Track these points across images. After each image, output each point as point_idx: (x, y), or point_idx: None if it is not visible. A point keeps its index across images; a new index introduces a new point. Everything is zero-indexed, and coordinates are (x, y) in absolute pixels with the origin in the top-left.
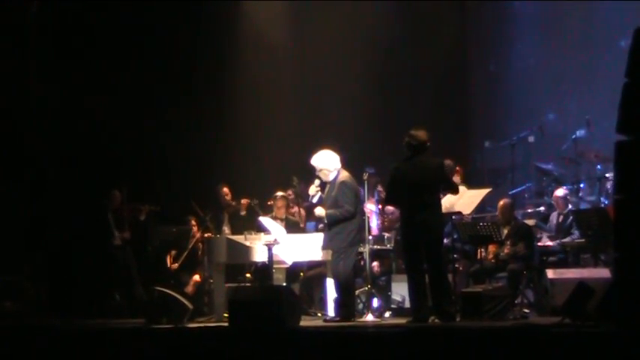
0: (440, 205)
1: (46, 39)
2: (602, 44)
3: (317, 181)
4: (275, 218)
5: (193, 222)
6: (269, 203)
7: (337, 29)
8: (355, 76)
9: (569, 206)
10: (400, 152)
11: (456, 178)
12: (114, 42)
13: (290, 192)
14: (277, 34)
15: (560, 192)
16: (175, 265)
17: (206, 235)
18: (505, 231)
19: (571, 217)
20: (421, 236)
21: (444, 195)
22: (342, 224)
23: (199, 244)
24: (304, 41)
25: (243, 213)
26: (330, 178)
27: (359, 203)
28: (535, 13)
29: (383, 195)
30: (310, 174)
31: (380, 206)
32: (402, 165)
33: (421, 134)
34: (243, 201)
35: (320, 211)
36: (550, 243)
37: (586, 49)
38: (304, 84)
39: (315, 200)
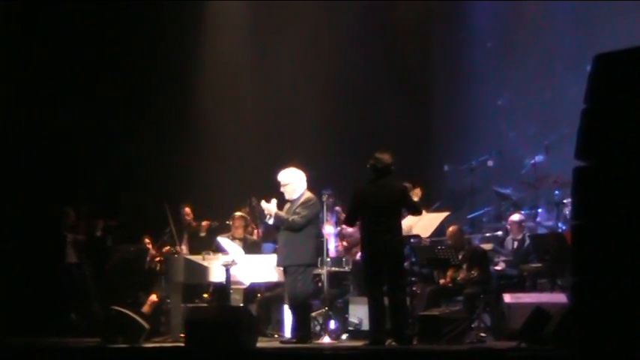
0: (401, 229)
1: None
2: (562, 69)
3: (274, 200)
4: (233, 238)
5: (147, 240)
6: (227, 223)
7: (298, 52)
8: (315, 98)
9: (525, 231)
10: (359, 174)
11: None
12: (75, 56)
13: (246, 209)
14: (238, 55)
15: (516, 217)
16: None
17: (164, 249)
18: (460, 256)
19: (527, 242)
20: (383, 259)
21: (404, 217)
22: (297, 242)
23: (156, 263)
24: (265, 63)
25: (203, 234)
26: (295, 196)
27: (317, 225)
28: (496, 38)
29: (342, 216)
30: (269, 196)
31: (338, 228)
32: (366, 187)
33: (386, 157)
34: (204, 223)
35: (270, 209)
36: (507, 267)
37: (546, 74)
38: (265, 106)
39: (270, 221)
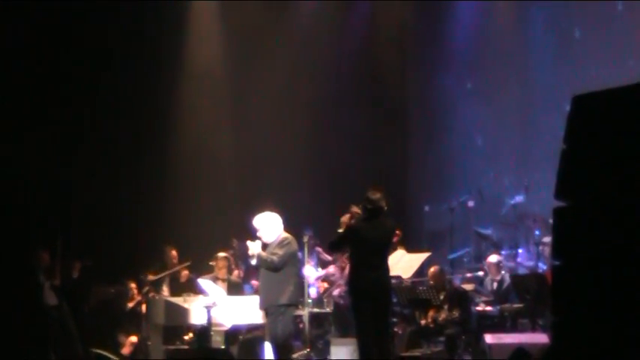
0: (389, 268)
1: None
2: (541, 110)
3: (259, 241)
4: (216, 279)
5: (133, 284)
6: (211, 264)
7: (276, 94)
8: (294, 139)
9: (503, 272)
10: (340, 215)
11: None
12: (53, 102)
13: (232, 252)
14: (218, 97)
15: (494, 258)
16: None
17: (149, 295)
18: (441, 296)
19: (507, 283)
20: (371, 296)
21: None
22: (277, 282)
23: (141, 306)
24: (244, 105)
25: (183, 281)
26: (271, 238)
27: (296, 264)
28: (475, 78)
29: (323, 256)
30: (250, 236)
31: (320, 270)
32: (361, 225)
33: (377, 197)
34: (184, 272)
35: (253, 249)
36: (488, 308)
37: (525, 114)
38: (244, 147)
39: (253, 262)
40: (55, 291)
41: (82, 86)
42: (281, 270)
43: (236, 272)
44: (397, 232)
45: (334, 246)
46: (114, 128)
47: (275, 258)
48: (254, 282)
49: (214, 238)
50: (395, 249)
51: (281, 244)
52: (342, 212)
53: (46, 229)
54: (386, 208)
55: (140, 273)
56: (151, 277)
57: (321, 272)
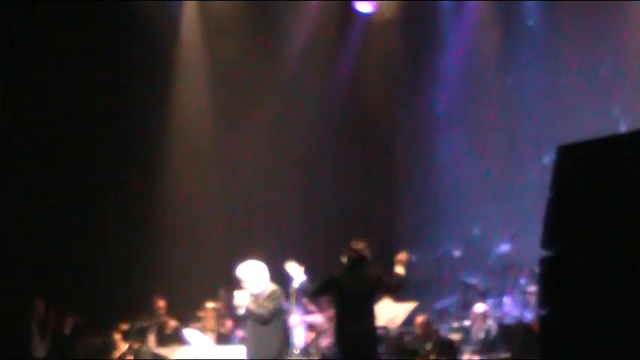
0: (374, 318)
1: None
2: (527, 160)
3: (247, 292)
4: (204, 329)
5: (117, 336)
6: (199, 315)
7: (264, 140)
8: (282, 188)
9: (489, 321)
10: (328, 263)
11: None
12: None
13: (220, 303)
14: (205, 146)
15: (480, 308)
16: None
17: (135, 346)
18: (428, 347)
19: (493, 332)
20: (353, 348)
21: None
22: (265, 335)
23: (127, 357)
24: (232, 153)
25: (168, 332)
26: (258, 290)
27: (282, 316)
28: (461, 127)
29: (308, 307)
30: (239, 286)
31: (307, 318)
32: (341, 275)
33: (360, 247)
34: (172, 322)
35: (242, 301)
36: (475, 357)
37: (511, 164)
38: (230, 196)
39: (241, 311)
40: (45, 344)
41: (69, 138)
42: (270, 322)
43: (226, 323)
44: (402, 256)
45: (311, 292)
46: (102, 178)
47: (265, 312)
48: (239, 333)
49: (203, 288)
50: (381, 298)
51: (271, 297)
52: (329, 262)
53: (42, 280)
54: (369, 258)
55: (123, 323)
56: (124, 327)
57: (306, 317)
